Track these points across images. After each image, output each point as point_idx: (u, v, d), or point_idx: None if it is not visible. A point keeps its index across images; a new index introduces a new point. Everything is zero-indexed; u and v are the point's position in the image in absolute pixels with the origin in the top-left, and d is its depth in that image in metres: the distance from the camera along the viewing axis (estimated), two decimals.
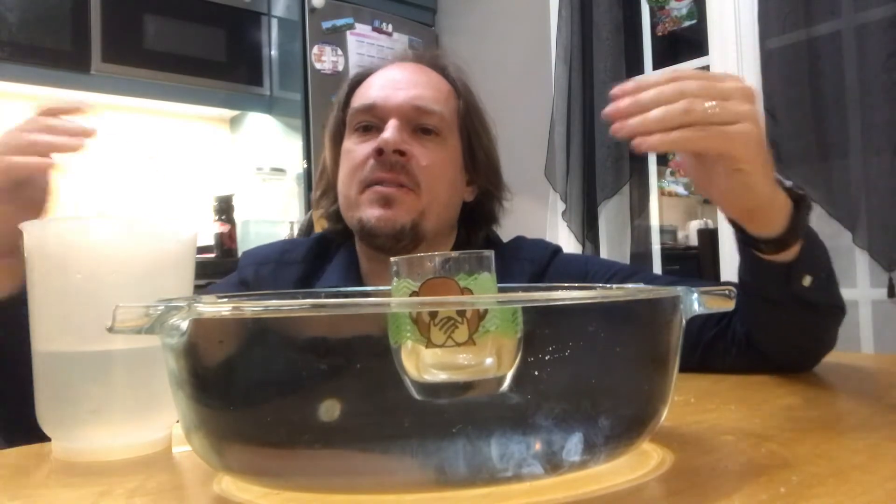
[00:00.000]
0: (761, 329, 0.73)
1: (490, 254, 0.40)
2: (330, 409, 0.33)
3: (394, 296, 0.40)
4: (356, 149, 0.88)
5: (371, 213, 0.84)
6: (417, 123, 0.88)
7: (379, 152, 0.84)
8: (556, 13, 2.35)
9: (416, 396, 0.33)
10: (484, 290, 0.39)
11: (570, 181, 2.25)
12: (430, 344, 0.34)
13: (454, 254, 0.39)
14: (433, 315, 0.34)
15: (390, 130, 0.85)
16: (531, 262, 0.93)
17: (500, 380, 0.34)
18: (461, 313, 0.34)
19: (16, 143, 0.67)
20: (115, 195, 2.58)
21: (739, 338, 0.75)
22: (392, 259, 0.40)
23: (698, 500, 0.34)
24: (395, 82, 0.90)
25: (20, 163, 0.66)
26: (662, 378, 0.39)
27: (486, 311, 0.34)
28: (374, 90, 0.90)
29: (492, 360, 0.34)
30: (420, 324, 0.34)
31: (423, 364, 0.34)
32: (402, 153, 0.84)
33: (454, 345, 0.34)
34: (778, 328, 0.72)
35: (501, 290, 0.57)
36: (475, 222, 0.97)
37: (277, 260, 0.95)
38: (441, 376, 0.34)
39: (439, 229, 0.90)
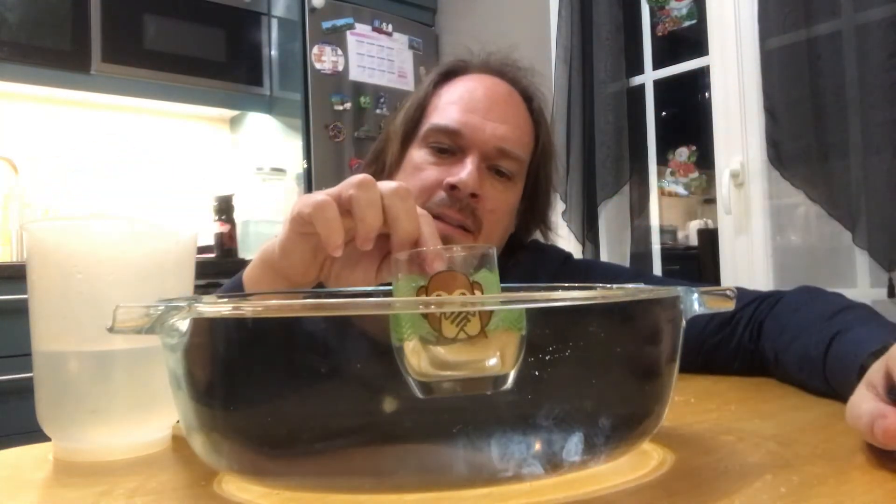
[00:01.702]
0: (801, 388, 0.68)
1: (492, 251, 0.40)
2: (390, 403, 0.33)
3: (397, 292, 0.40)
4: (427, 170, 0.84)
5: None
6: (495, 164, 0.85)
7: (452, 187, 0.80)
8: (556, 13, 2.35)
9: (419, 395, 0.33)
10: (491, 285, 0.39)
11: (570, 181, 2.25)
12: (441, 338, 0.34)
13: (457, 247, 0.38)
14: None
15: (469, 171, 0.81)
16: (546, 271, 0.94)
17: (504, 378, 0.34)
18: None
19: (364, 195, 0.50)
20: (115, 195, 2.58)
21: (746, 351, 0.75)
22: (394, 256, 0.40)
23: (698, 500, 0.34)
24: (485, 111, 0.85)
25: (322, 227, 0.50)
26: (663, 378, 0.39)
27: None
28: (460, 111, 0.85)
29: (496, 360, 0.34)
30: (431, 318, 0.34)
31: (426, 363, 0.34)
32: (474, 195, 0.81)
33: (466, 337, 0.34)
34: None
35: (504, 288, 0.57)
36: (510, 247, 0.94)
37: None
38: (444, 375, 0.34)
39: None
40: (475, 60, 0.92)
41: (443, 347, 0.34)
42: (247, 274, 0.62)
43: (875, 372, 0.44)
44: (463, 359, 0.34)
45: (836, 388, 0.57)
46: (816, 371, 0.61)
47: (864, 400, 0.43)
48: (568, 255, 1.00)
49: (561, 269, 0.95)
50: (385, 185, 0.52)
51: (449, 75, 0.91)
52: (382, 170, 0.92)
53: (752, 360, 0.74)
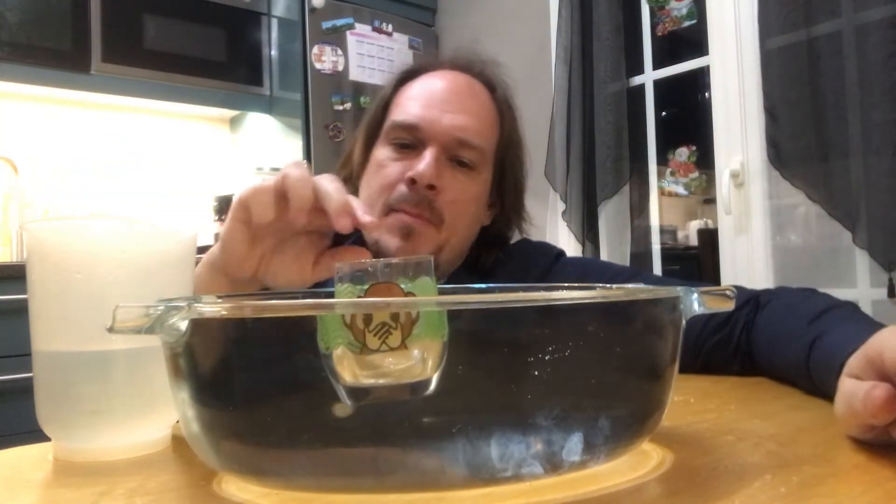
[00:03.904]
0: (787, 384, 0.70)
1: (429, 259, 0.40)
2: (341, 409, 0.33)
3: (338, 297, 0.40)
4: (389, 165, 0.85)
5: (391, 241, 0.82)
6: (455, 154, 0.85)
7: (412, 181, 0.82)
8: (556, 13, 2.35)
9: (347, 401, 0.33)
10: (427, 294, 0.39)
11: (570, 181, 2.25)
12: (364, 349, 0.34)
13: (395, 260, 0.39)
14: (368, 321, 0.35)
15: (427, 163, 0.82)
16: (536, 267, 0.93)
17: (426, 383, 0.34)
18: (395, 319, 0.35)
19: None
20: (115, 195, 2.58)
21: (745, 350, 0.75)
22: (336, 265, 0.40)
23: (698, 500, 0.34)
24: (444, 102, 0.86)
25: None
26: (662, 378, 0.39)
27: (418, 316, 0.35)
28: (419, 106, 0.86)
29: (419, 363, 0.34)
30: (355, 330, 0.34)
31: (352, 369, 0.34)
32: (432, 187, 0.82)
33: (388, 350, 0.34)
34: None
35: (486, 290, 0.57)
36: (487, 243, 0.94)
37: None
38: (370, 381, 0.35)
39: (453, 259, 0.89)
40: (438, 59, 0.94)
41: (366, 356, 0.35)
42: (195, 273, 0.63)
43: (855, 363, 0.45)
44: (387, 365, 0.35)
45: (824, 392, 0.57)
46: (803, 377, 0.62)
47: (851, 385, 0.43)
48: (559, 253, 0.99)
49: (553, 266, 0.94)
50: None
51: (413, 74, 0.92)
52: (352, 173, 0.94)
53: (751, 361, 0.75)
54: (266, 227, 0.57)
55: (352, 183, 0.94)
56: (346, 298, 0.39)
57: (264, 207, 0.55)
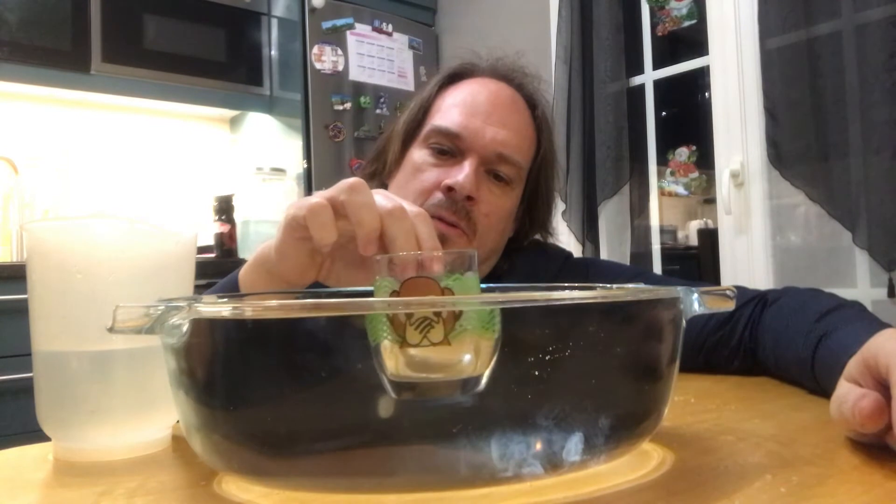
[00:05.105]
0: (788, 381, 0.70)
1: (473, 253, 0.40)
2: (385, 406, 0.33)
3: (375, 293, 0.40)
4: (426, 171, 0.84)
5: None
6: (493, 168, 0.85)
7: (449, 189, 0.81)
8: (556, 13, 2.35)
9: (393, 395, 0.33)
10: (466, 290, 0.39)
11: (570, 181, 2.25)
12: (405, 343, 0.34)
13: (437, 253, 0.39)
14: (409, 315, 0.34)
15: (467, 174, 0.81)
16: (546, 272, 0.94)
17: (477, 379, 0.34)
18: (437, 313, 0.34)
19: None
20: (115, 195, 2.58)
21: (746, 348, 0.75)
22: (377, 257, 0.40)
23: (698, 500, 0.34)
24: (487, 114, 0.85)
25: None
26: (663, 378, 0.39)
27: (461, 310, 0.34)
28: (462, 114, 0.85)
29: (470, 359, 0.34)
30: (396, 323, 0.34)
31: (401, 363, 0.34)
32: (470, 198, 0.82)
33: (429, 344, 0.34)
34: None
35: (487, 290, 0.57)
36: (504, 251, 0.94)
37: None
38: (417, 376, 0.34)
39: (478, 268, 0.89)
40: (482, 64, 0.93)
41: (415, 350, 0.34)
42: (242, 275, 0.62)
43: (854, 366, 0.45)
44: (437, 360, 0.34)
45: (826, 390, 0.57)
46: (807, 375, 0.62)
47: (846, 390, 0.44)
48: (569, 255, 1.00)
49: (562, 268, 0.95)
50: (375, 191, 0.52)
51: (455, 78, 0.91)
52: (383, 168, 0.92)
53: (754, 359, 0.75)
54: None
55: (380, 179, 0.93)
56: (383, 292, 0.38)
57: (326, 234, 0.50)
